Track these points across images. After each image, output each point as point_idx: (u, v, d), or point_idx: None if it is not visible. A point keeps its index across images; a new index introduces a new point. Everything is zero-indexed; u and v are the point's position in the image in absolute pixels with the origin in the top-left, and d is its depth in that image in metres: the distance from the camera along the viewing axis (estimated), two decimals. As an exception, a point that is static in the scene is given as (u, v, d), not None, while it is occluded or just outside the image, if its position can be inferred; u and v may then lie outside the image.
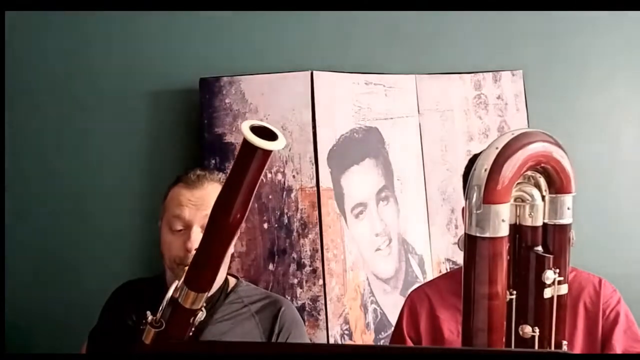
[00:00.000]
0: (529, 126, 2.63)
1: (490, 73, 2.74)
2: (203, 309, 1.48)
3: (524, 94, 2.73)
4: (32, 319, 2.63)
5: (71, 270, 2.67)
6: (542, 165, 1.22)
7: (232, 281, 1.96)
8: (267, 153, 1.31)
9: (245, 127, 1.29)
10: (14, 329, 2.61)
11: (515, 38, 2.80)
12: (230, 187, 1.35)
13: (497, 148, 1.17)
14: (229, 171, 1.40)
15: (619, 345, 1.75)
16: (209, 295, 1.81)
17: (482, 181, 1.16)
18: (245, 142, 1.29)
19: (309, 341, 2.01)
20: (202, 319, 1.49)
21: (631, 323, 1.79)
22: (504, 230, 1.18)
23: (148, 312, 1.49)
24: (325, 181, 2.53)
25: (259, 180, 1.35)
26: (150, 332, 1.49)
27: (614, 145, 2.80)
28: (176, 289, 1.48)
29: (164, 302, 1.49)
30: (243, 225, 2.43)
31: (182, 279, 1.46)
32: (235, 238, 1.61)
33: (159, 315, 1.47)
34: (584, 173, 2.69)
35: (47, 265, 2.67)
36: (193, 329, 1.48)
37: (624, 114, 2.81)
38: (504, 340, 1.25)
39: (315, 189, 2.51)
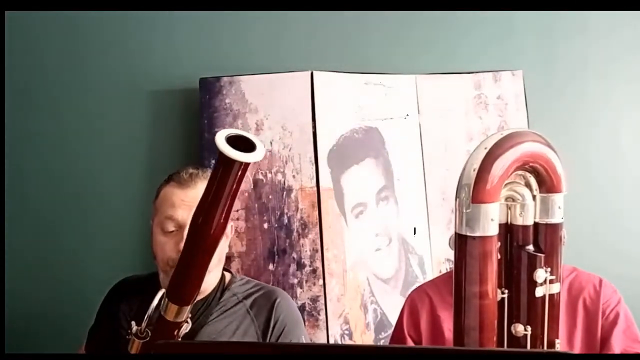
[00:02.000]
0: (528, 126, 2.62)
1: (490, 73, 2.73)
2: (188, 320, 1.47)
3: (524, 94, 2.72)
4: (32, 319, 2.64)
5: (71, 270, 2.68)
6: (532, 164, 1.22)
7: (227, 278, 1.94)
8: (245, 165, 1.30)
9: (220, 138, 1.27)
10: (14, 328, 2.62)
11: (515, 38, 2.79)
12: (209, 199, 1.34)
13: (485, 148, 1.17)
14: (207, 182, 1.38)
15: (618, 345, 1.75)
16: (205, 295, 1.83)
17: (471, 180, 1.17)
18: (222, 155, 1.28)
19: (305, 331, 1.99)
20: (187, 330, 1.48)
21: (630, 323, 1.79)
22: (493, 230, 1.18)
23: (133, 323, 1.50)
24: (325, 181, 2.53)
25: (239, 190, 1.34)
26: (134, 342, 1.49)
27: (614, 145, 2.79)
28: (160, 300, 1.47)
29: (149, 312, 1.48)
30: (243, 225, 2.46)
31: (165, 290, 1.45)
32: (219, 247, 1.60)
33: (143, 325, 1.47)
34: (583, 173, 2.69)
35: (48, 265, 2.69)
36: (179, 339, 1.47)
37: (624, 113, 2.80)
38: (495, 339, 1.26)
39: (315, 189, 2.51)
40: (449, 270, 2.60)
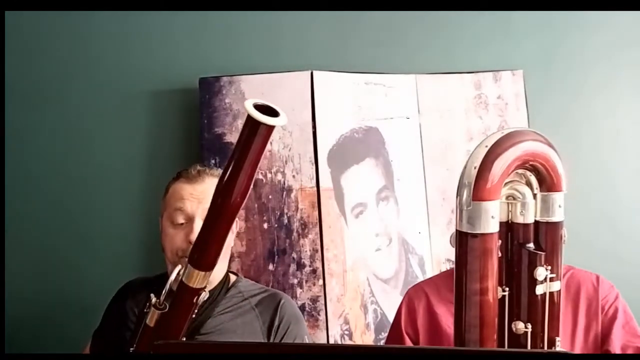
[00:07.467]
0: (529, 126, 2.62)
1: (490, 73, 2.73)
2: (206, 289, 1.53)
3: (524, 94, 2.72)
4: (33, 319, 2.64)
5: (72, 270, 2.68)
6: (533, 163, 1.23)
7: (232, 277, 2.00)
8: (270, 129, 1.36)
9: (249, 104, 1.34)
10: (15, 328, 2.62)
11: (515, 38, 2.79)
12: (234, 164, 1.39)
13: (486, 146, 1.18)
14: (232, 149, 1.44)
15: (618, 341, 1.75)
16: (210, 289, 1.84)
17: (471, 179, 1.18)
18: (249, 119, 1.35)
19: (308, 333, 2.03)
20: (205, 298, 1.55)
21: (629, 318, 1.79)
22: (494, 227, 1.19)
23: (152, 295, 1.56)
24: (325, 181, 2.53)
25: (262, 158, 1.40)
26: (154, 314, 1.54)
27: (614, 145, 2.79)
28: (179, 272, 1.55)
29: (167, 285, 1.56)
30: (243, 224, 2.46)
31: (187, 258, 1.51)
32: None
33: (162, 297, 1.54)
34: (583, 173, 2.69)
35: (48, 265, 2.68)
36: (196, 310, 1.53)
37: (624, 114, 2.79)
38: (495, 336, 1.26)
39: (315, 189, 2.52)
40: (448, 269, 2.60)
